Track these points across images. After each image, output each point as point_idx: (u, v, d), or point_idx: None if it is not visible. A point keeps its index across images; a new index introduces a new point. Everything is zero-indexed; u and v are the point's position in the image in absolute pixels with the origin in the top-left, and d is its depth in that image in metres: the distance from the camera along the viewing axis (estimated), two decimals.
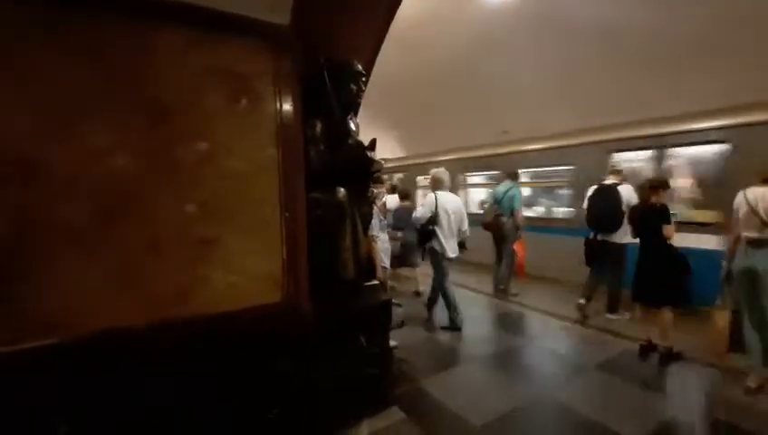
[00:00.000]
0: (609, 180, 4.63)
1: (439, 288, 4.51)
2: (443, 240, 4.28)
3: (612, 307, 4.70)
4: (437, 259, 4.38)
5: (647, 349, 3.70)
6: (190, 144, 2.00)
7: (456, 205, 4.44)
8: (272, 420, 2.26)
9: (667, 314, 3.56)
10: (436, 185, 4.53)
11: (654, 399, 3.01)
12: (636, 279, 3.80)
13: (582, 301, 4.69)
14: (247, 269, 2.20)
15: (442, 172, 4.58)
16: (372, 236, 3.40)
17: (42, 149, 1.65)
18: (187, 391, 1.99)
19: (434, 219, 4.29)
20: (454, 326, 4.38)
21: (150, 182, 1.89)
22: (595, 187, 4.71)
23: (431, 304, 4.73)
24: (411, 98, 8.06)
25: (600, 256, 4.60)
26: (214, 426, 2.09)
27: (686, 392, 3.16)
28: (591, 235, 4.65)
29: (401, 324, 3.43)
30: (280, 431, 2.29)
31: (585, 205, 4.83)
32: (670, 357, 3.55)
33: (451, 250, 4.34)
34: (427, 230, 4.31)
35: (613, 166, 4.81)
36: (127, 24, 1.82)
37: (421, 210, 4.41)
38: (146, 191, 1.88)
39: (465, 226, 4.51)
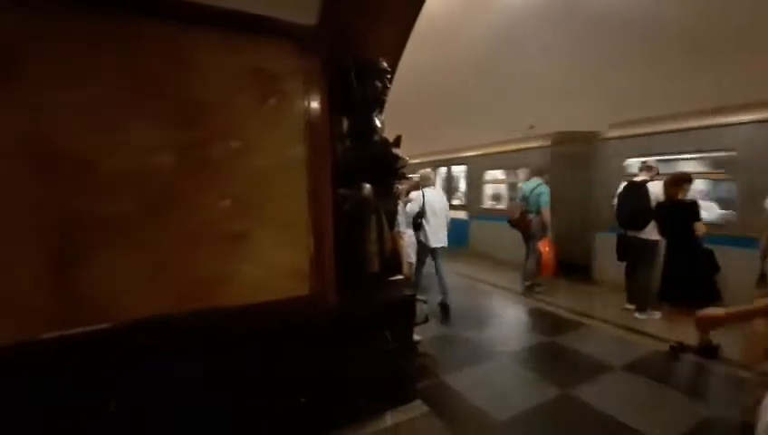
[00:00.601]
0: (640, 177, 4.49)
1: (416, 271, 5.11)
2: (428, 231, 4.87)
3: (642, 306, 4.57)
4: (421, 247, 4.99)
5: (677, 350, 3.59)
6: (223, 142, 2.10)
7: (441, 201, 5.08)
8: (299, 408, 2.35)
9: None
10: (424, 183, 5.10)
11: (681, 400, 2.93)
12: (664, 278, 3.72)
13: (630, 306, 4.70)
14: (276, 263, 2.29)
15: (429, 172, 5.23)
16: (399, 232, 3.54)
17: (89, 147, 1.78)
18: (217, 379, 2.10)
19: (421, 213, 4.85)
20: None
21: (186, 178, 2.00)
22: (624, 183, 4.61)
23: (415, 283, 5.10)
24: (434, 94, 8.03)
25: (632, 254, 4.50)
26: (243, 411, 2.20)
27: (716, 395, 3.06)
28: (623, 232, 4.58)
29: (426, 320, 3.47)
30: (306, 419, 2.37)
31: (615, 202, 4.72)
32: (709, 352, 3.43)
33: (435, 241, 4.91)
34: (416, 223, 4.89)
35: (644, 162, 4.64)
36: (164, 27, 1.93)
37: (410, 206, 4.94)
38: (182, 187, 1.99)
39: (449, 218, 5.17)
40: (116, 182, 1.83)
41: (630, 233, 4.47)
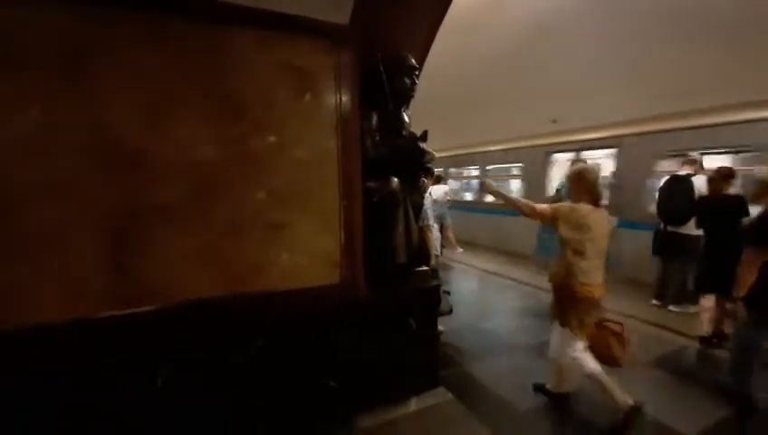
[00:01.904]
0: (684, 171, 4.40)
1: None
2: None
3: (677, 299, 4.52)
4: None
5: (709, 340, 3.66)
6: (263, 136, 2.23)
7: (438, 192, 5.46)
8: (328, 390, 2.48)
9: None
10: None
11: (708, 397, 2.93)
12: (705, 270, 3.71)
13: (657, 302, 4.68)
14: (310, 251, 2.42)
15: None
16: (427, 225, 3.57)
17: (144, 140, 1.94)
18: (255, 359, 2.24)
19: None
20: None
21: (230, 170, 2.14)
22: (668, 177, 4.53)
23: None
24: (456, 89, 7.96)
25: (671, 249, 4.45)
26: (277, 391, 2.34)
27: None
28: (662, 225, 4.51)
29: (450, 311, 3.55)
30: (335, 402, 2.51)
31: (657, 195, 4.65)
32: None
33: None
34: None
35: (689, 156, 4.52)
36: (210, 27, 2.06)
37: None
38: (227, 178, 2.13)
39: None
40: (168, 173, 1.99)
41: (671, 228, 4.39)
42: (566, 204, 2.59)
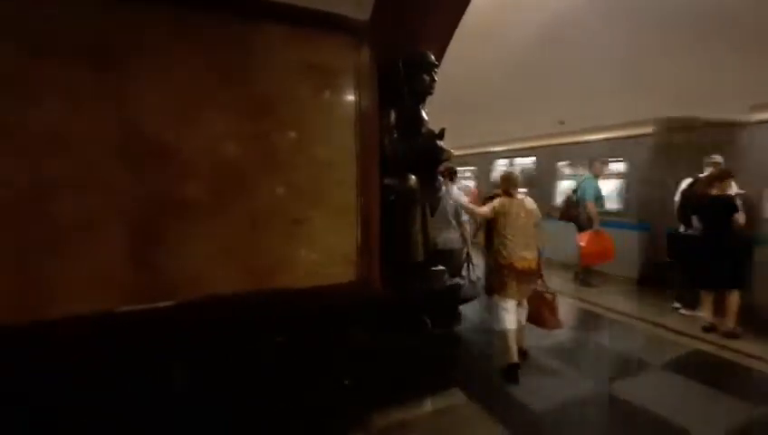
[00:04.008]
0: (705, 173, 4.30)
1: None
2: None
3: (691, 304, 4.44)
4: None
5: (711, 329, 3.91)
6: (284, 133, 2.24)
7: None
8: (345, 388, 2.47)
9: (735, 298, 3.74)
10: None
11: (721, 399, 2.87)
12: (704, 267, 3.91)
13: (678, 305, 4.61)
14: (328, 249, 2.41)
15: None
16: (464, 221, 3.84)
17: (170, 135, 1.96)
18: (274, 354, 2.24)
19: None
20: None
21: (252, 166, 2.16)
22: (689, 180, 4.44)
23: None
24: (470, 89, 7.95)
25: (687, 251, 4.35)
26: (292, 387, 2.34)
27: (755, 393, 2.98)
28: (682, 228, 4.43)
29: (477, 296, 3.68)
30: (350, 399, 2.49)
31: (677, 198, 4.56)
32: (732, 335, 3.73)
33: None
34: None
35: (711, 159, 4.41)
36: (234, 21, 2.07)
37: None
38: (249, 174, 2.15)
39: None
40: (193, 169, 2.01)
41: (690, 231, 4.31)
42: (496, 201, 3.14)
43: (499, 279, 3.14)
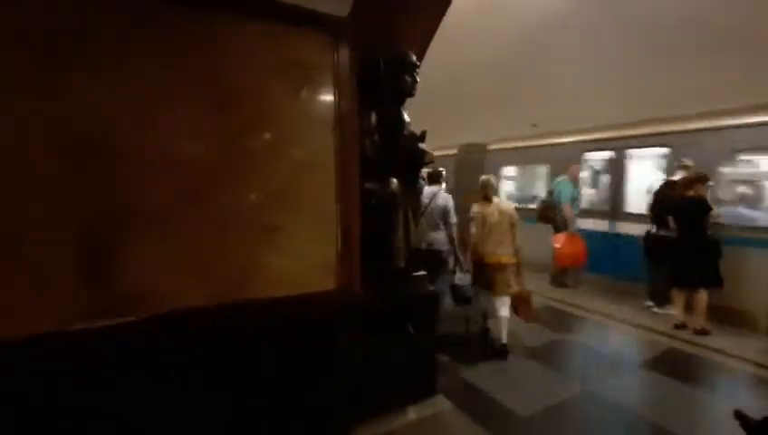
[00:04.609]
0: (677, 175, 4.45)
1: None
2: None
3: (662, 301, 4.58)
4: None
5: (682, 326, 4.12)
6: (256, 133, 2.09)
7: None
8: (321, 402, 2.35)
9: (703, 296, 3.95)
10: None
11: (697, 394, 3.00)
12: (677, 266, 4.13)
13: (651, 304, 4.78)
14: (305, 256, 2.28)
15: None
16: (451, 223, 3.93)
17: (125, 135, 1.76)
18: (246, 371, 2.10)
19: None
20: None
21: (220, 169, 1.99)
22: (662, 181, 4.60)
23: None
24: (445, 91, 7.99)
25: (662, 250, 4.50)
26: (266, 406, 2.20)
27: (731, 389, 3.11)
28: (654, 229, 4.60)
29: (469, 300, 3.77)
30: (328, 413, 2.38)
31: (650, 199, 4.72)
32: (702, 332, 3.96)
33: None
34: None
35: (682, 162, 4.56)
36: (199, 14, 1.90)
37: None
38: (216, 178, 1.98)
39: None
40: (153, 173, 1.82)
41: (663, 231, 4.44)
42: (474, 205, 3.69)
43: (477, 273, 3.67)
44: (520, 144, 7.71)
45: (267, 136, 2.09)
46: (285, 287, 2.22)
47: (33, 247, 1.61)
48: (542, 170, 7.28)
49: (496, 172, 7.66)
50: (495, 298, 3.59)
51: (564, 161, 6.09)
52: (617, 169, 5.81)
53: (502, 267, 3.53)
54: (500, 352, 3.55)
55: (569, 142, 6.55)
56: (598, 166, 6.49)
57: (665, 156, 5.16)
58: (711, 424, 2.64)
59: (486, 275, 3.57)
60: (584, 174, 6.36)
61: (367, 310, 2.50)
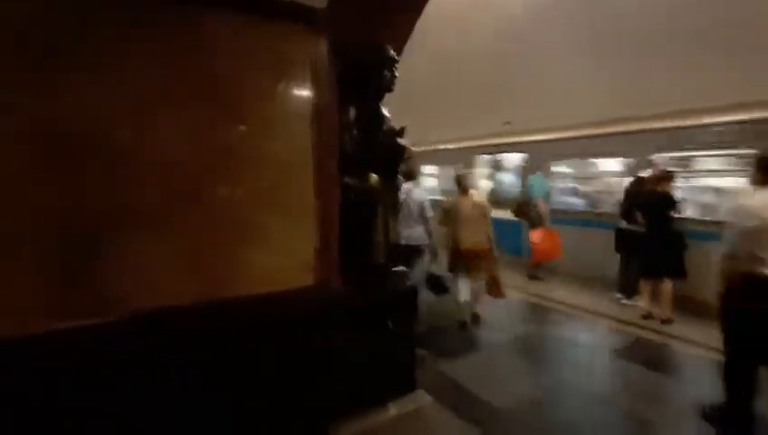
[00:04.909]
0: (646, 173, 4.63)
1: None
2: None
3: (631, 293, 4.78)
4: None
5: (648, 316, 4.33)
6: (233, 129, 2.03)
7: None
8: (304, 398, 2.32)
9: (668, 287, 4.16)
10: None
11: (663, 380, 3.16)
12: (646, 259, 4.33)
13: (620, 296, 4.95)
14: (284, 252, 2.24)
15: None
16: (428, 218, 4.04)
17: (109, 135, 1.70)
18: (229, 368, 2.04)
19: None
20: None
21: (198, 167, 1.94)
22: (632, 178, 4.77)
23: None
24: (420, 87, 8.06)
25: (632, 245, 4.68)
26: (249, 404, 2.15)
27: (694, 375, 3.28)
28: (623, 223, 4.77)
29: (447, 289, 3.95)
30: (310, 409, 2.35)
31: (622, 196, 4.90)
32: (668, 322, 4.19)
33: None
34: None
35: (652, 160, 4.76)
36: (172, 5, 1.83)
37: None
38: (195, 176, 1.92)
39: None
40: (133, 171, 1.75)
41: (632, 226, 4.61)
42: (449, 198, 4.23)
43: (453, 260, 4.07)
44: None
45: (243, 132, 2.04)
46: (265, 285, 2.18)
47: (13, 247, 1.53)
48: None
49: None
50: (471, 280, 4.10)
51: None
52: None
53: (477, 254, 3.97)
54: (475, 318, 4.18)
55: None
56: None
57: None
58: (675, 407, 2.77)
59: (463, 261, 4.01)
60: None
61: (346, 306, 2.48)
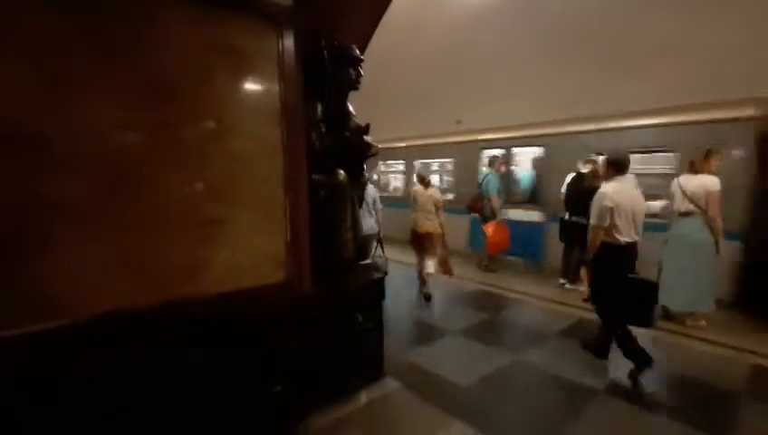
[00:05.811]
0: (585, 169, 5.05)
1: None
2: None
3: (573, 279, 5.24)
4: None
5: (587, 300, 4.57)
6: (195, 122, 1.97)
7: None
8: (276, 396, 2.35)
9: None
10: None
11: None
12: (587, 247, 4.63)
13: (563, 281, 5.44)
14: (251, 249, 2.23)
15: None
16: (377, 209, 4.60)
17: (46, 123, 1.57)
18: (192, 370, 2.02)
19: None
20: None
21: (155, 160, 1.84)
22: (573, 174, 5.16)
23: None
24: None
25: (574, 235, 5.08)
26: (220, 402, 2.14)
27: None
28: (567, 215, 5.18)
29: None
30: (283, 406, 2.38)
31: (563, 189, 5.30)
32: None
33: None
34: None
35: (590, 157, 5.18)
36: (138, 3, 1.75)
37: None
38: (151, 169, 1.82)
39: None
40: (75, 163, 1.62)
41: (575, 218, 5.02)
42: (413, 189, 5.13)
43: (415, 244, 5.02)
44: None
45: (206, 125, 1.98)
46: (234, 282, 2.15)
47: None
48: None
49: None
50: (425, 258, 4.98)
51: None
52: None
53: (430, 236, 4.86)
54: (427, 297, 5.01)
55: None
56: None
57: None
58: (608, 376, 3.15)
59: (419, 242, 4.92)
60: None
61: (316, 301, 2.52)
